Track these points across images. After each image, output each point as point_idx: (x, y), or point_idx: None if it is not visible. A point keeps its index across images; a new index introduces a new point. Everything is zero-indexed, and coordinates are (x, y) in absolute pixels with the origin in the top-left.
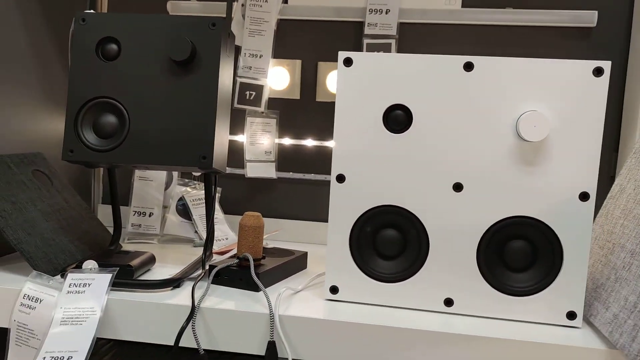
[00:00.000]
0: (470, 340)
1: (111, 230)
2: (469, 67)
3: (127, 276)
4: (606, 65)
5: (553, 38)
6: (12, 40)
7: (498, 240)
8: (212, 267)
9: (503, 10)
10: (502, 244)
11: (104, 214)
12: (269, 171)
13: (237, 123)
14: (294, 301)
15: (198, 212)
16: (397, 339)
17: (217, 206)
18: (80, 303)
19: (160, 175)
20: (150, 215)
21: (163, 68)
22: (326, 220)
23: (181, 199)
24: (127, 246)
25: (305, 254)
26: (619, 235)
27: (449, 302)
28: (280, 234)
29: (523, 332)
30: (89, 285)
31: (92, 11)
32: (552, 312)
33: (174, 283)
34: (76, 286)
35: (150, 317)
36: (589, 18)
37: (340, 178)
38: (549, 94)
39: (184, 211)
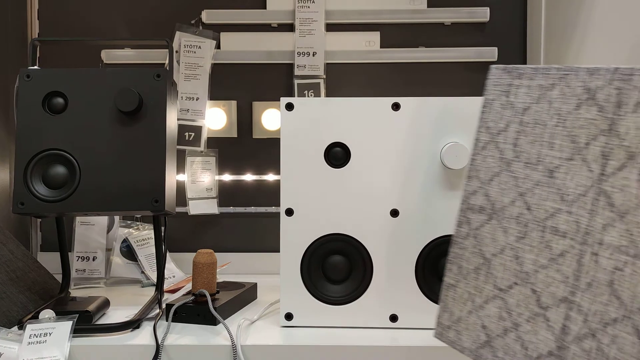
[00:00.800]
0: (415, 351)
1: (58, 277)
2: (396, 107)
3: (86, 321)
4: None
5: (460, 72)
6: None
7: (433, 258)
8: (169, 305)
9: (416, 49)
10: (437, 261)
11: (44, 261)
12: (211, 207)
13: (177, 163)
14: (252, 331)
15: (143, 253)
16: (350, 357)
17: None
18: (42, 352)
19: (102, 218)
20: (94, 259)
21: (111, 118)
22: (270, 250)
23: (125, 240)
24: (74, 292)
25: (255, 285)
26: None
27: (393, 318)
28: (227, 266)
29: None
30: (50, 334)
31: (36, 67)
32: None
33: (133, 324)
34: (37, 336)
35: (115, 359)
36: (490, 53)
37: (289, 212)
38: (466, 126)
39: (128, 252)
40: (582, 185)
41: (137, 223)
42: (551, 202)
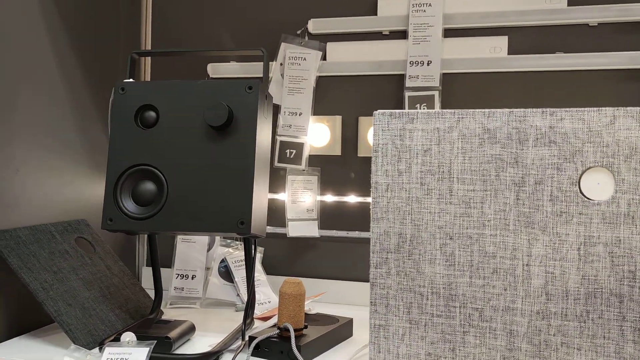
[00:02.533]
0: None
1: (153, 295)
2: None
3: (166, 349)
4: None
5: (607, 82)
6: (56, 110)
7: None
8: (252, 338)
9: (552, 55)
10: None
11: (149, 276)
12: (311, 230)
13: (277, 181)
14: None
15: (240, 275)
16: None
17: (259, 267)
18: None
19: (203, 236)
20: (192, 278)
21: (200, 133)
22: None
23: (223, 260)
24: (169, 311)
25: (350, 321)
26: None
27: None
28: (325, 296)
29: None
30: (126, 359)
31: (131, 80)
32: None
33: (212, 357)
34: None
35: None
36: None
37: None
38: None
39: (226, 273)
40: (501, 210)
41: (237, 242)
42: (473, 229)
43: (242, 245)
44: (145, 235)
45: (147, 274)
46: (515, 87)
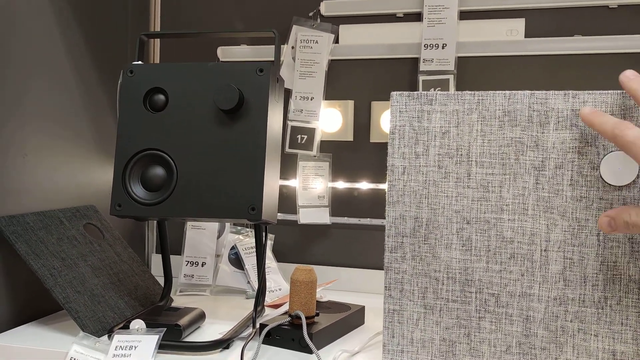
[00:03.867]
0: None
1: (163, 282)
2: None
3: (175, 337)
4: None
5: (628, 66)
6: (65, 95)
7: None
8: (262, 325)
9: (571, 38)
10: None
11: (159, 263)
12: (323, 217)
13: (288, 168)
14: None
15: (251, 262)
16: None
17: (269, 254)
18: None
19: (213, 223)
20: (202, 265)
21: (211, 117)
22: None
23: (233, 247)
24: (179, 299)
25: (362, 308)
26: None
27: None
28: (337, 283)
29: None
30: (135, 347)
31: (139, 62)
32: None
33: (223, 344)
34: (122, 349)
35: None
36: None
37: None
38: None
39: (236, 260)
40: (519, 195)
41: (247, 229)
42: (491, 214)
43: (253, 232)
44: (155, 222)
45: (156, 260)
46: (532, 70)
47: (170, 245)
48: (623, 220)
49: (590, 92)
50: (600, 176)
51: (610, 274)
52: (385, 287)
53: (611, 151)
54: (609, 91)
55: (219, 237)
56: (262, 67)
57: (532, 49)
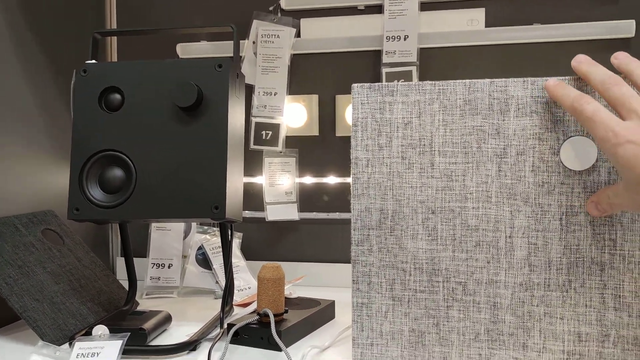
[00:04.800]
0: None
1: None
2: None
3: (140, 341)
4: None
5: (586, 53)
6: (17, 94)
7: None
8: (230, 325)
9: (530, 27)
10: None
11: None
12: (291, 213)
13: (254, 164)
14: None
15: (218, 261)
16: None
17: (238, 253)
18: None
19: (179, 223)
20: (169, 267)
21: (169, 115)
22: None
23: (200, 247)
24: (145, 302)
25: (332, 303)
26: None
27: None
28: (307, 279)
29: None
30: (98, 354)
31: (93, 61)
32: None
33: (190, 346)
34: (84, 356)
35: None
36: (626, 28)
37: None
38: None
39: (204, 261)
40: (483, 182)
41: (214, 229)
42: (455, 202)
43: (219, 232)
44: (116, 224)
45: (121, 264)
46: (493, 60)
47: (135, 247)
48: (606, 201)
49: (548, 78)
50: (561, 161)
51: (574, 258)
52: (353, 280)
53: (570, 136)
54: (565, 77)
55: (185, 237)
56: (220, 63)
57: (492, 38)
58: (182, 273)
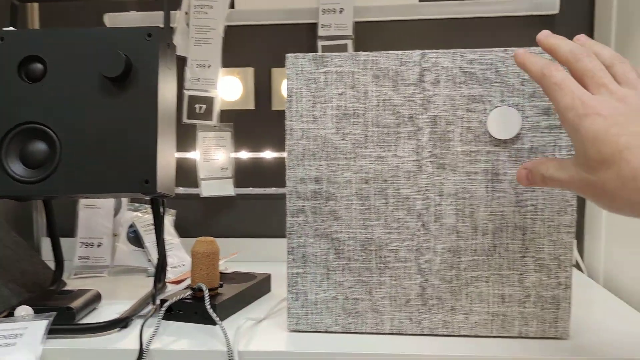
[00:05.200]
0: None
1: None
2: None
3: (68, 320)
4: None
5: (513, 28)
6: None
7: None
8: (163, 301)
9: (461, 2)
10: None
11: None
12: (226, 188)
13: (188, 139)
14: (256, 333)
15: (150, 239)
16: None
17: (172, 231)
18: (11, 357)
19: (108, 201)
20: (99, 246)
21: (96, 86)
22: None
23: (132, 225)
24: (74, 282)
25: (268, 277)
26: None
27: None
28: (244, 254)
29: None
30: (21, 335)
31: (12, 29)
32: None
33: (120, 324)
34: (6, 338)
35: None
36: (550, 5)
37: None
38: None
39: (135, 239)
40: (414, 152)
41: (146, 206)
42: (388, 172)
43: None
44: (41, 202)
45: (47, 244)
46: (427, 34)
47: (63, 227)
48: (540, 173)
49: (477, 50)
50: (487, 131)
51: (498, 223)
52: (288, 251)
53: (497, 106)
54: (493, 49)
55: (115, 215)
56: (150, 32)
57: (425, 12)
58: (112, 252)
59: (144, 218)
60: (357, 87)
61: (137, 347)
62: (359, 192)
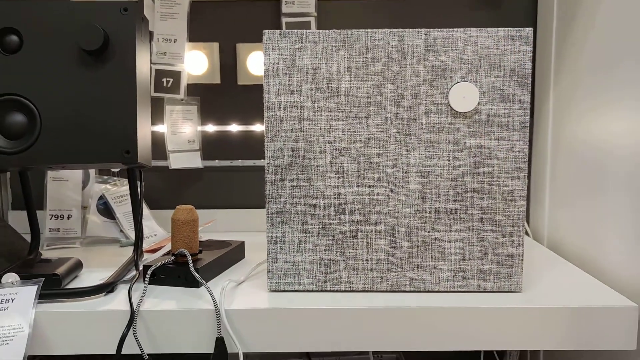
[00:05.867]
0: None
1: (28, 238)
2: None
3: (55, 286)
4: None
5: (463, 8)
6: None
7: None
8: (146, 267)
9: None
10: None
11: (16, 220)
12: (194, 161)
13: (155, 113)
14: (238, 293)
15: (121, 210)
16: (338, 319)
17: None
18: (4, 321)
19: (76, 173)
20: (69, 218)
21: (73, 59)
22: (258, 207)
23: (101, 197)
24: (47, 253)
25: (242, 243)
26: None
27: None
28: (214, 224)
29: None
30: (12, 300)
31: None
32: None
33: (107, 288)
34: None
35: (85, 327)
36: None
37: None
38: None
39: (105, 210)
40: (383, 124)
41: (114, 178)
42: (359, 142)
43: (120, 181)
44: (8, 175)
45: (14, 217)
46: (384, 13)
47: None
48: None
49: (440, 29)
50: (449, 104)
51: (459, 189)
52: (268, 217)
53: (457, 82)
54: (454, 29)
55: (83, 188)
56: (126, 7)
57: None
58: (83, 223)
59: (112, 190)
60: (330, 62)
61: (127, 308)
62: (333, 161)
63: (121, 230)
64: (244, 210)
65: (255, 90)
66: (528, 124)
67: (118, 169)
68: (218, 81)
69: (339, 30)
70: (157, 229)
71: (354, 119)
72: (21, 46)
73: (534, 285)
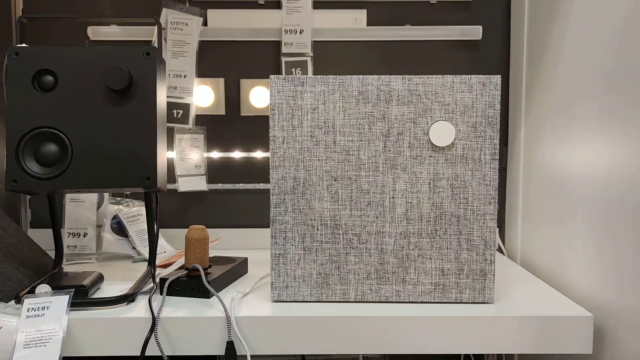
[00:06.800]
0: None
1: (50, 253)
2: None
3: (82, 296)
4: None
5: (444, 51)
6: None
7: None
8: (162, 280)
9: (402, 27)
10: None
11: (34, 237)
12: (200, 184)
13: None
14: (245, 303)
15: (134, 229)
16: (339, 328)
17: None
18: (41, 326)
19: (92, 195)
20: (84, 236)
21: (101, 97)
22: (259, 226)
23: (115, 217)
24: (67, 267)
25: (245, 260)
26: None
27: None
28: (215, 243)
29: None
30: (48, 307)
31: (24, 45)
32: None
33: (129, 298)
34: (35, 310)
35: (111, 331)
36: (474, 32)
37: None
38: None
39: (119, 229)
40: (373, 156)
41: (127, 200)
42: (352, 172)
43: (133, 202)
44: (27, 197)
45: (33, 235)
46: (374, 53)
47: (46, 218)
48: None
49: (420, 76)
50: (429, 139)
51: (439, 212)
52: (272, 236)
53: (436, 121)
54: (433, 76)
55: (98, 208)
56: (148, 51)
57: (372, 35)
58: (98, 241)
59: (125, 210)
60: (327, 103)
61: (147, 315)
62: (329, 187)
63: (133, 247)
64: (244, 230)
65: (257, 121)
66: (498, 157)
67: (130, 192)
68: (223, 112)
69: (334, 76)
70: (166, 246)
71: (348, 151)
72: (56, 85)
73: (506, 298)
